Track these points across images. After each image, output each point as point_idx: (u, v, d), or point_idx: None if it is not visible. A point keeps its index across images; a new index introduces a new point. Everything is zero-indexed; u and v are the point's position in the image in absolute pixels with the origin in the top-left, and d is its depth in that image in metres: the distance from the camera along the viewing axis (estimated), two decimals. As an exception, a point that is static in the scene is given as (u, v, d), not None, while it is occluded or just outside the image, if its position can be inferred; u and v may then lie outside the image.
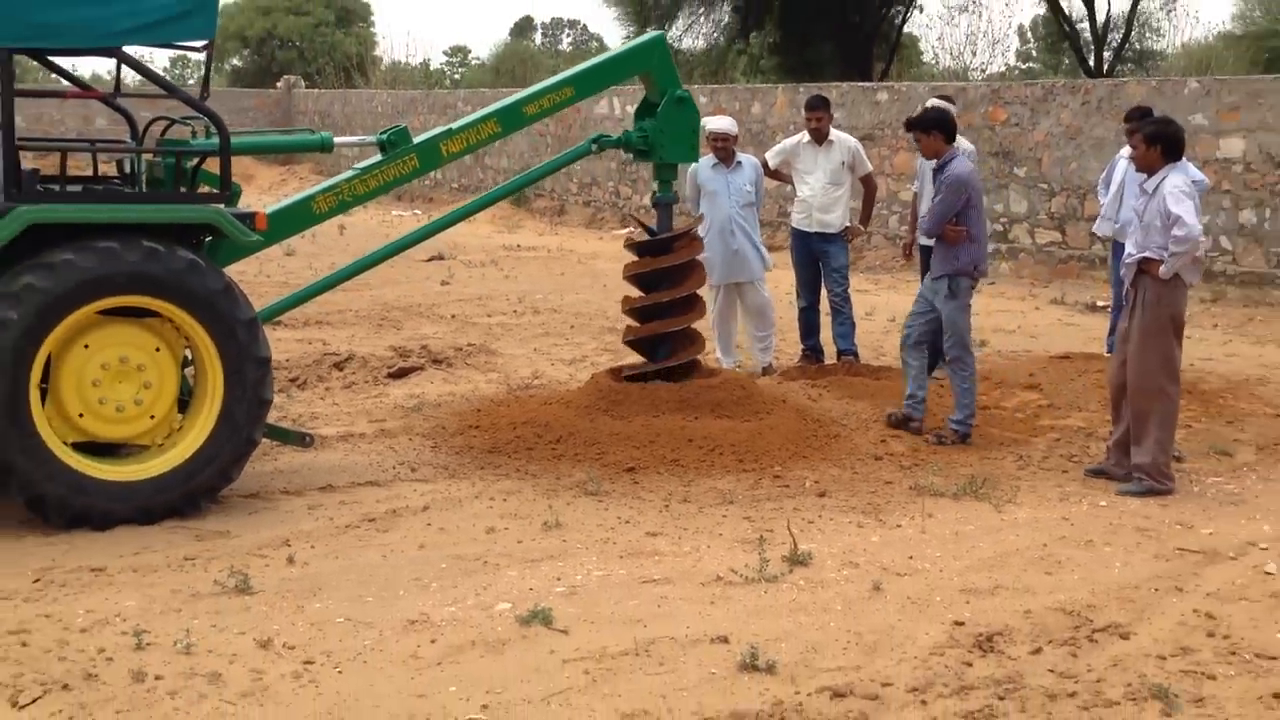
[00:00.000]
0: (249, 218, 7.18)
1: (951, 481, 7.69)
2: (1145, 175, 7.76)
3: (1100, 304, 14.48)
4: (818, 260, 10.70)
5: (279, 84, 41.21)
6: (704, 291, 9.29)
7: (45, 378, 6.76)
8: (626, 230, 20.14)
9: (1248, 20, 49.00)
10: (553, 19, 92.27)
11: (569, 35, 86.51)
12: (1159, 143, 7.67)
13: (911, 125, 9.42)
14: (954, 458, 8.26)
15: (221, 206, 7.13)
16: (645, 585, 6.09)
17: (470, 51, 77.02)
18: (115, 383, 6.84)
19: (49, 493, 6.64)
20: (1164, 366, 7.68)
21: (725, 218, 10.17)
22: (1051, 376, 9.63)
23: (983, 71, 42.36)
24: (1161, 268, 7.50)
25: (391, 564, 6.35)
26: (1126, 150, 11.05)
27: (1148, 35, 41.06)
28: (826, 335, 10.86)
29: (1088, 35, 37.80)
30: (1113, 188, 11.03)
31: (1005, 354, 11.63)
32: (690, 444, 8.16)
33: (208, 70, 7.33)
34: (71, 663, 5.12)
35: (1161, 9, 39.05)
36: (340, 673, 5.10)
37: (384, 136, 8.16)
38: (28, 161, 7.01)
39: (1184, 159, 7.78)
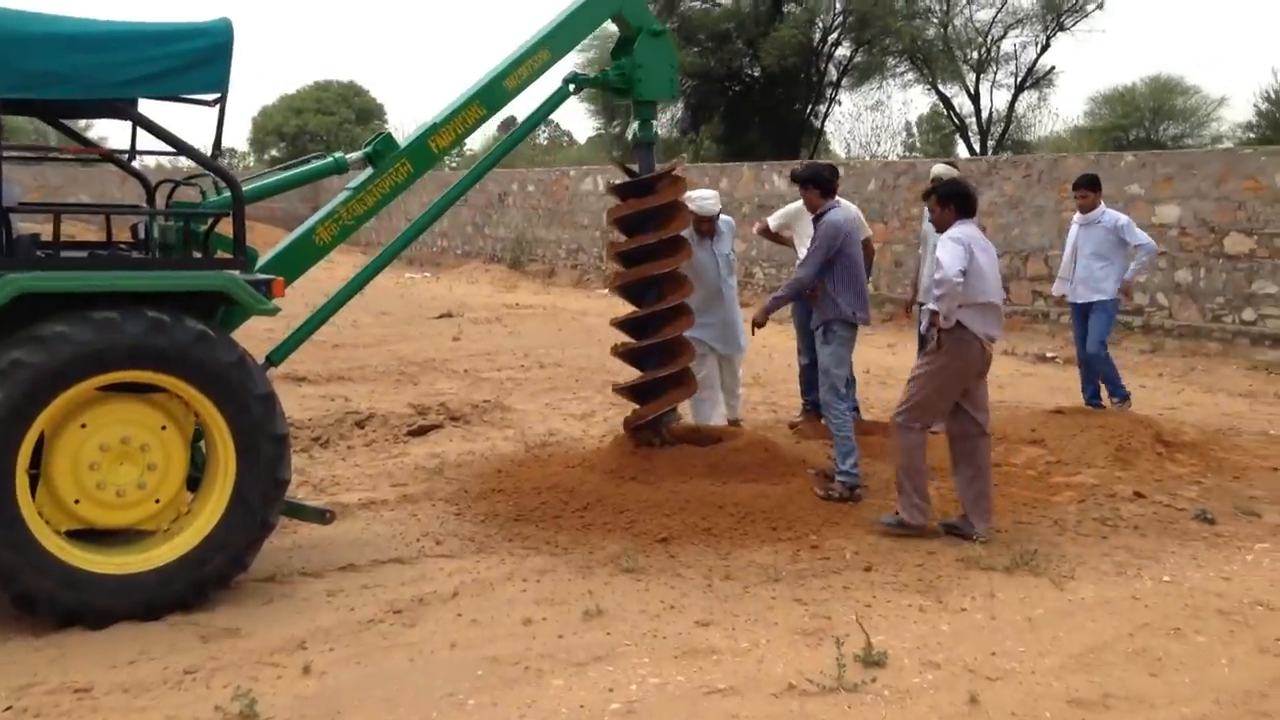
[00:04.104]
0: (265, 284, 5.30)
1: (996, 552, 5.90)
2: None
3: (1049, 355, 12.81)
4: (817, 320, 8.85)
5: (309, 169, 39.54)
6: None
7: (37, 462, 4.87)
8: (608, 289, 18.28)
9: (1096, 116, 48.18)
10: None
11: (545, 130, 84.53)
12: (952, 202, 6.35)
13: (794, 177, 7.78)
14: (990, 521, 6.47)
15: (235, 273, 5.26)
16: (710, 698, 4.25)
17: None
18: (116, 465, 4.96)
19: (38, 589, 4.75)
20: (924, 405, 6.23)
21: (714, 289, 8.12)
22: (1053, 431, 7.88)
23: (885, 158, 41.06)
24: (940, 317, 6.12)
25: (421, 671, 4.48)
26: (1079, 215, 9.36)
27: (1020, 129, 39.86)
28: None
29: (974, 128, 36.81)
30: (1066, 251, 9.31)
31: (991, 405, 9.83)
32: (721, 510, 6.33)
33: (220, 126, 5.38)
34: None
35: (1030, 109, 38.11)
36: None
37: (369, 148, 6.24)
38: (33, 226, 5.14)
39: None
